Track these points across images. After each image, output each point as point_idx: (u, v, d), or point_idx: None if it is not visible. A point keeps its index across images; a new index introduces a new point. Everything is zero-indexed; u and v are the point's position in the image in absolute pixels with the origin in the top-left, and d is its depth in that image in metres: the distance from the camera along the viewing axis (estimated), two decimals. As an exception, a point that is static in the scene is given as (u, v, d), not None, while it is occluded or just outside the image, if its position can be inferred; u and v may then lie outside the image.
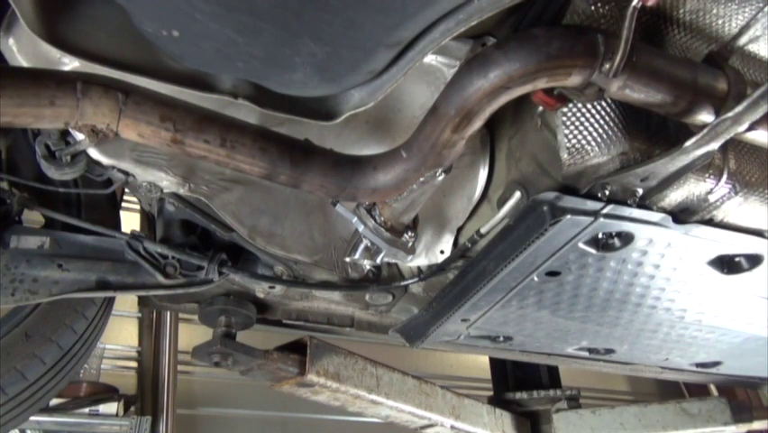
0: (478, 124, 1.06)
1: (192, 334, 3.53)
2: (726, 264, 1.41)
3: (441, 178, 1.23)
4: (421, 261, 1.66)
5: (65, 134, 1.25)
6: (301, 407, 3.68)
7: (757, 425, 2.54)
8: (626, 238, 1.29)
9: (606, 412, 2.59)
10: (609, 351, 1.94)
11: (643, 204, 1.24)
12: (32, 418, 2.16)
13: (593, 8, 1.07)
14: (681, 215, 1.28)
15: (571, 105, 1.14)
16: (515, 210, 1.34)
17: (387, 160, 1.21)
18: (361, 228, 1.39)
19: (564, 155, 1.17)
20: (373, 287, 1.70)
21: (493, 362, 3.14)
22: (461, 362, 4.80)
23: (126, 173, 1.37)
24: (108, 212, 1.79)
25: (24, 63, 1.18)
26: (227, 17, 0.92)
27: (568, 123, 1.16)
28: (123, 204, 2.02)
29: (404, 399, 2.09)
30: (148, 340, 3.67)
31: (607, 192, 1.19)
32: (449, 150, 1.12)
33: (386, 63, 1.07)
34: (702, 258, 1.38)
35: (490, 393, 3.05)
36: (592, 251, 1.31)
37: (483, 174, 1.55)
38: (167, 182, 1.40)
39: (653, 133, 1.19)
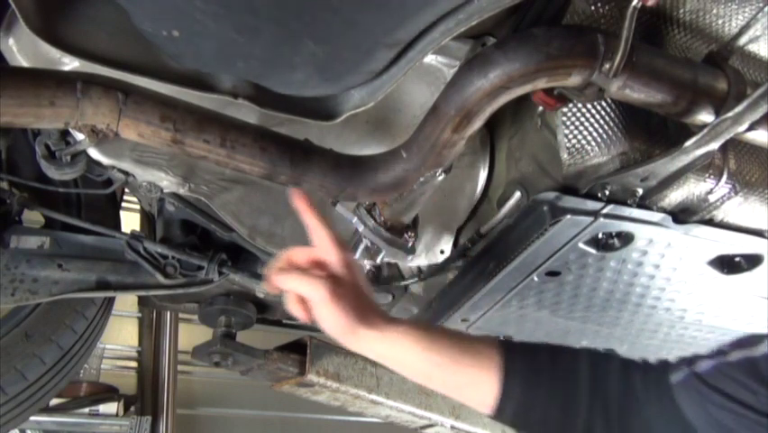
0: (478, 124, 1.06)
1: (192, 334, 3.52)
2: (726, 264, 1.41)
3: (441, 178, 1.23)
4: (421, 261, 1.66)
5: (65, 134, 1.25)
6: (301, 407, 3.67)
7: (757, 425, 2.53)
8: (626, 238, 1.28)
9: (606, 412, 2.58)
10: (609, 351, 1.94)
11: (643, 204, 1.24)
12: (32, 418, 2.16)
13: (593, 8, 1.07)
14: (681, 215, 1.28)
15: (571, 105, 1.14)
16: (515, 210, 1.34)
17: (387, 160, 1.21)
18: (361, 228, 1.39)
19: (564, 155, 1.17)
20: (373, 287, 1.70)
21: (493, 362, 3.13)
22: (461, 362, 4.78)
23: (126, 173, 1.36)
24: (108, 212, 1.79)
25: (24, 63, 1.18)
26: (227, 17, 0.92)
27: (568, 123, 1.16)
28: (123, 204, 2.02)
29: (404, 399, 2.09)
30: (148, 340, 3.66)
31: (607, 192, 1.19)
32: (449, 150, 1.12)
33: (386, 63, 1.07)
34: (702, 258, 1.38)
35: (490, 393, 3.04)
36: (592, 251, 1.31)
37: (483, 174, 1.55)
38: (167, 182, 1.40)
39: (653, 133, 1.19)
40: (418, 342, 0.94)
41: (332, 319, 0.92)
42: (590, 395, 0.91)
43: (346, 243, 0.98)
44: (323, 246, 0.97)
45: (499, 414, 0.95)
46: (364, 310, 0.94)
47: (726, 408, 0.79)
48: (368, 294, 0.98)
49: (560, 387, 0.93)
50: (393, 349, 0.95)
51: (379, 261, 1.51)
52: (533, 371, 0.95)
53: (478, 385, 0.94)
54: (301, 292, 0.93)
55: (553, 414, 0.92)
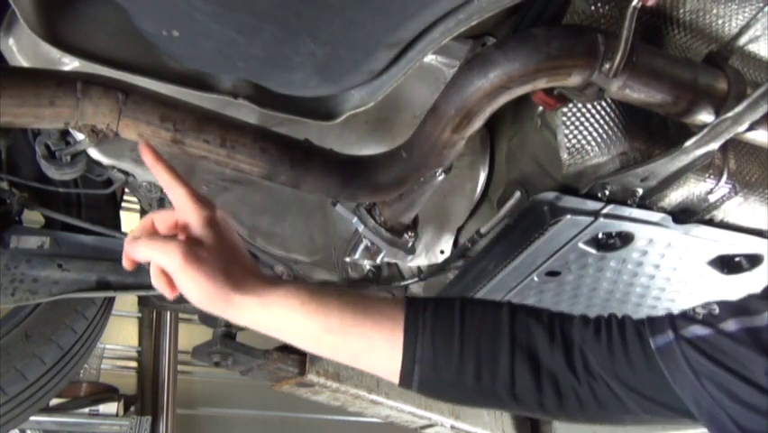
0: (478, 124, 1.06)
1: (192, 334, 3.52)
2: (726, 264, 1.41)
3: (441, 178, 1.23)
4: (421, 261, 1.66)
5: (65, 134, 1.25)
6: (301, 407, 3.68)
7: (757, 425, 2.53)
8: (626, 238, 1.28)
9: (606, 412, 2.58)
10: (609, 351, 1.94)
11: (643, 204, 1.24)
12: (32, 418, 2.16)
13: (593, 8, 1.07)
14: (681, 215, 1.28)
15: (571, 105, 1.14)
16: (515, 210, 1.34)
17: (387, 160, 1.21)
18: (361, 228, 1.39)
19: (564, 155, 1.17)
20: (373, 287, 1.70)
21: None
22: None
23: (126, 173, 1.36)
24: (108, 212, 1.79)
25: (24, 63, 1.18)
26: (227, 17, 0.92)
27: (568, 123, 1.16)
28: (123, 204, 2.02)
29: (404, 399, 2.09)
30: (148, 340, 3.67)
31: (607, 192, 1.19)
32: (449, 150, 1.12)
33: (386, 63, 1.07)
34: (702, 258, 1.38)
35: (490, 393, 3.03)
36: (592, 251, 1.31)
37: (483, 174, 1.55)
38: (167, 182, 1.39)
39: (653, 133, 1.19)
40: (304, 305, 0.81)
41: (193, 287, 0.78)
42: (512, 352, 0.81)
43: (209, 200, 0.85)
44: (181, 206, 0.84)
45: (406, 380, 0.83)
46: (237, 274, 0.81)
47: (729, 384, 0.69)
48: (242, 256, 0.85)
49: (473, 344, 0.82)
50: (276, 316, 0.82)
51: (379, 261, 1.51)
52: (442, 328, 0.83)
53: (376, 350, 0.82)
54: (155, 261, 0.79)
55: (468, 375, 0.81)
